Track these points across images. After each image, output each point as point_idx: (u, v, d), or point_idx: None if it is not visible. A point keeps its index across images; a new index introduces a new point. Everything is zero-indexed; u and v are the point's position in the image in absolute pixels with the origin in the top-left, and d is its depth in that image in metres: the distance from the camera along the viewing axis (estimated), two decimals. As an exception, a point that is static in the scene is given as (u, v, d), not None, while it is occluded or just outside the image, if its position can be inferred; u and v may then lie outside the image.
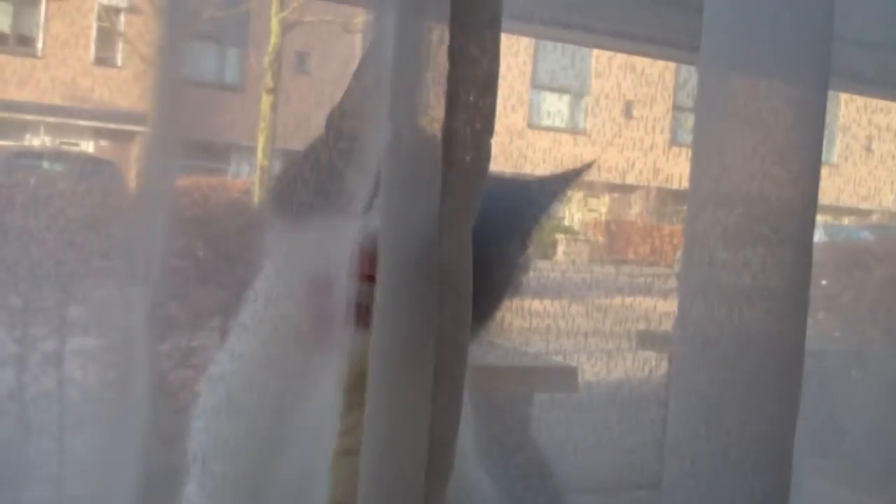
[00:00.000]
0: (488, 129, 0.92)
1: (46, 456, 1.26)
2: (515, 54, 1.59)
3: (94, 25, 1.40)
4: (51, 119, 1.41)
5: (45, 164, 1.51)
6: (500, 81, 1.09)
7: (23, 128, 1.44)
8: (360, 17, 1.54)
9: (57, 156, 1.47)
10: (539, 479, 1.28)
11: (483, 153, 0.93)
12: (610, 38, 1.64)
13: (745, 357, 1.29)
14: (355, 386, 1.07)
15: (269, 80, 1.54)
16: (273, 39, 1.56)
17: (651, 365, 1.58)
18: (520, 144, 1.69)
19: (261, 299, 1.10)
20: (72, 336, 1.28)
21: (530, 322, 1.54)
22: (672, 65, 1.74)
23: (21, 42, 1.50)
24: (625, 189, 1.90)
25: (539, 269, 1.85)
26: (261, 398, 1.06)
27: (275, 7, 1.57)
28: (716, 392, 1.29)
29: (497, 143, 1.37)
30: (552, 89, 1.80)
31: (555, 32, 1.56)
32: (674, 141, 1.74)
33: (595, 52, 1.74)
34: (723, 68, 1.33)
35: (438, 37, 0.90)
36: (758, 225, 1.29)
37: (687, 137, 1.74)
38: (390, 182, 0.93)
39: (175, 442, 1.17)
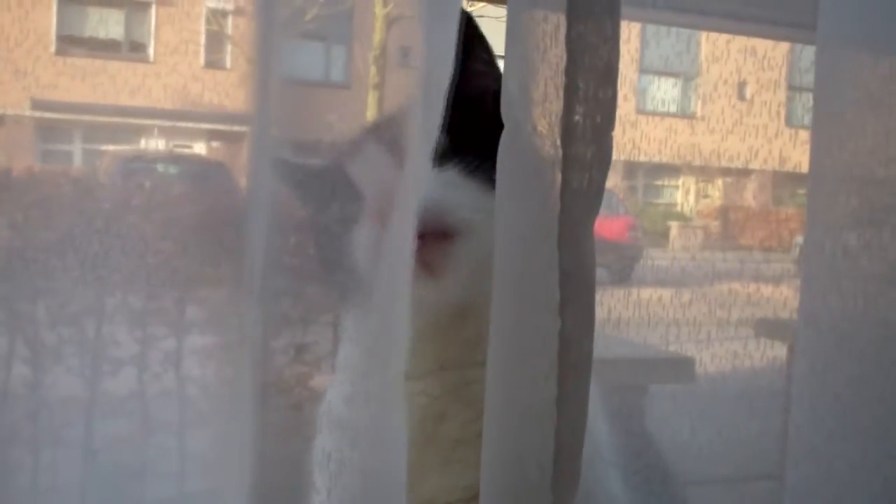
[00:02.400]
0: (609, 121, 0.88)
1: (167, 453, 1.29)
2: (626, 41, 1.56)
3: (203, 29, 1.42)
4: (164, 123, 1.44)
5: (160, 167, 1.54)
6: None
7: (137, 132, 1.47)
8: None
9: (170, 158, 1.50)
10: (660, 485, 1.25)
11: (604, 147, 0.89)
12: (722, 19, 1.59)
13: (882, 350, 1.22)
14: (480, 364, 1.07)
15: (374, 76, 1.55)
16: (378, 35, 1.56)
17: (770, 353, 1.54)
18: (633, 134, 1.67)
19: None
20: (190, 335, 1.30)
21: (643, 312, 1.52)
22: (786, 43, 1.68)
23: (134, 49, 1.54)
24: (739, 173, 1.85)
25: (652, 258, 1.82)
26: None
27: (378, 3, 1.58)
28: (852, 391, 1.23)
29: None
30: (662, 73, 1.77)
31: (667, 17, 1.52)
32: (789, 122, 1.69)
33: (704, 33, 1.70)
34: (841, 46, 1.27)
35: (555, 26, 0.87)
36: (890, 209, 1.23)
37: (802, 118, 1.69)
38: (507, 180, 0.89)
39: (290, 437, 1.18)
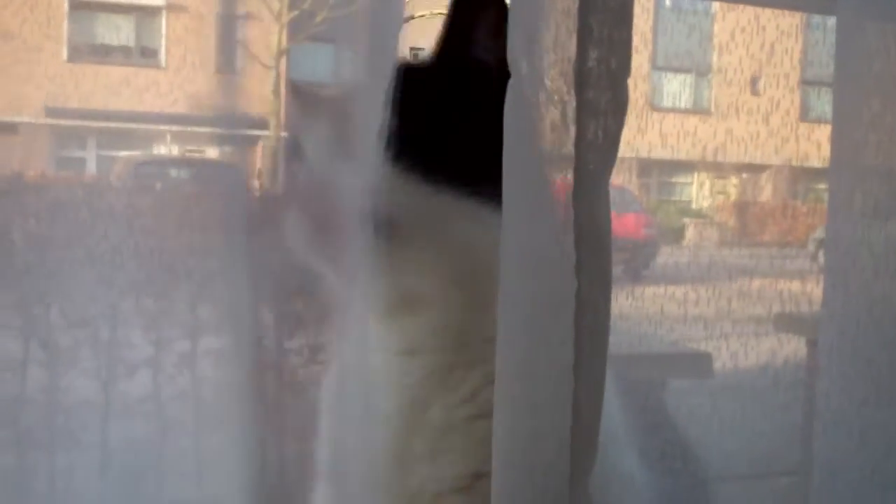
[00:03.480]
0: (625, 65, 0.82)
1: (183, 454, 1.29)
2: (639, 38, 1.55)
3: (214, 34, 1.43)
4: (176, 128, 1.45)
5: (173, 172, 1.55)
6: None
7: (150, 137, 1.48)
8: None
9: (183, 163, 1.50)
10: (682, 463, 1.24)
11: (620, 93, 0.82)
12: None
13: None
14: (457, 349, 1.05)
15: (384, 77, 1.55)
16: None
17: (789, 348, 1.53)
18: (646, 131, 1.66)
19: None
20: (203, 336, 1.30)
21: (661, 308, 1.51)
22: (799, 36, 1.68)
23: (145, 54, 1.55)
24: (753, 169, 1.85)
25: (668, 254, 1.82)
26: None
27: (387, 4, 1.58)
28: (872, 388, 1.21)
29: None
30: (675, 70, 1.76)
31: None
32: (803, 116, 1.68)
33: (717, 26, 1.69)
34: (863, 27, 1.24)
35: None
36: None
37: (816, 113, 1.68)
38: (514, 134, 0.84)
39: (306, 437, 1.18)
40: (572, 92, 0.82)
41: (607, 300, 0.85)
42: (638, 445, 1.10)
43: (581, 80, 0.81)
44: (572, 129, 0.82)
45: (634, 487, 1.07)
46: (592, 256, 0.83)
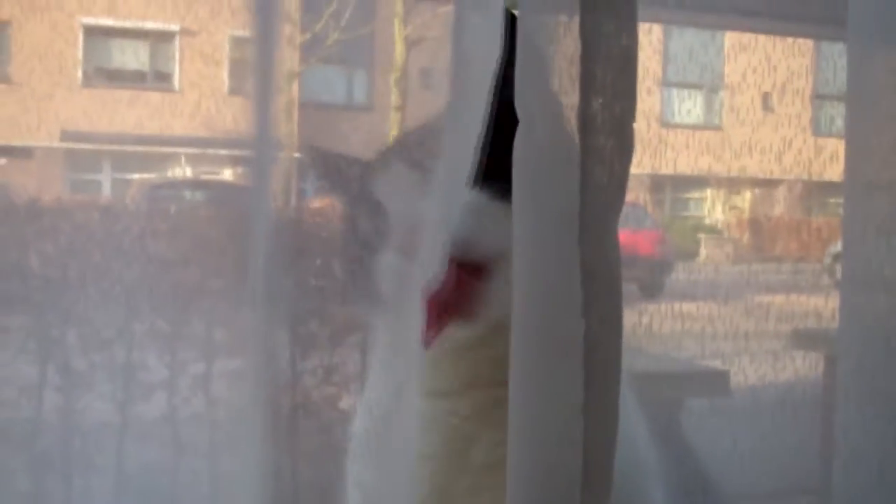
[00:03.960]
0: (629, 111, 0.83)
1: (199, 476, 1.29)
2: (650, 55, 1.56)
3: (227, 57, 1.44)
4: (190, 150, 1.46)
5: (187, 194, 1.56)
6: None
7: (164, 160, 1.49)
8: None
9: (197, 185, 1.51)
10: (701, 495, 1.23)
11: (625, 138, 0.85)
12: (744, 17, 1.55)
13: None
14: (504, 381, 1.05)
15: (396, 98, 1.56)
16: (398, 57, 1.57)
17: (806, 365, 1.52)
18: (658, 148, 1.66)
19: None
20: (218, 358, 1.31)
21: (676, 326, 1.50)
22: (810, 50, 1.67)
23: (159, 78, 1.56)
24: (767, 184, 1.84)
25: (682, 271, 1.81)
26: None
27: (398, 26, 1.59)
28: (891, 404, 1.19)
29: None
30: (686, 86, 1.76)
31: (686, 16, 1.50)
32: (816, 131, 1.68)
33: (728, 44, 1.69)
34: (874, 47, 1.24)
35: (568, 14, 0.85)
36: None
37: (829, 127, 1.68)
38: (523, 176, 0.84)
39: (321, 458, 1.18)
40: (577, 136, 0.82)
41: (619, 338, 0.85)
42: (663, 478, 1.09)
43: (585, 125, 0.82)
44: (577, 172, 0.82)
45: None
46: (601, 296, 0.83)
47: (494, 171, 0.98)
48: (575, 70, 0.82)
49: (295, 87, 1.48)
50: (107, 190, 1.50)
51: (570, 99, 0.82)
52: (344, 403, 1.32)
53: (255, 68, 1.28)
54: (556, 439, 0.86)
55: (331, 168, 1.13)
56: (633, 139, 0.84)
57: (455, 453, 1.01)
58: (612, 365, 0.85)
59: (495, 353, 1.03)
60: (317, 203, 1.46)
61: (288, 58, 1.48)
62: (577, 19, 0.82)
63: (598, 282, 0.83)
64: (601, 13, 0.83)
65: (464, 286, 0.97)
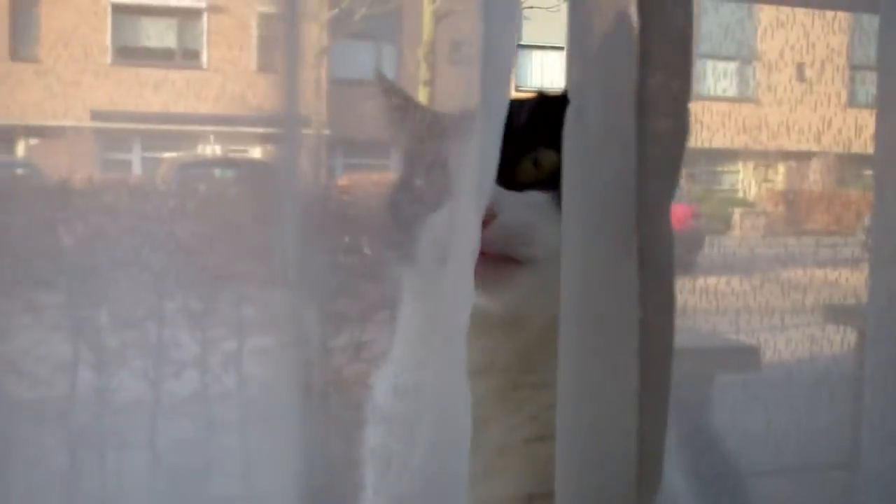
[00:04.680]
0: (686, 89, 0.82)
1: (230, 453, 1.30)
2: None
3: (255, 34, 1.44)
4: (219, 128, 1.46)
5: (217, 172, 1.56)
6: None
7: (193, 138, 1.49)
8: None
9: (226, 163, 1.51)
10: (720, 476, 1.23)
11: (683, 118, 0.83)
12: None
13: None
14: (526, 370, 1.04)
15: (424, 73, 1.55)
16: (427, 31, 1.56)
17: (839, 339, 1.50)
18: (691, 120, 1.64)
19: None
20: (249, 335, 1.32)
21: (708, 300, 1.49)
22: (847, 21, 1.65)
23: (187, 56, 1.56)
24: (801, 156, 1.82)
25: (714, 245, 1.79)
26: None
27: (425, 0, 1.58)
28: None
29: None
30: (719, 58, 1.74)
31: None
32: (851, 102, 1.65)
33: (762, 14, 1.67)
34: None
35: None
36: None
37: (865, 98, 1.65)
38: (575, 159, 0.83)
39: (351, 434, 1.19)
40: (633, 115, 0.80)
41: (672, 326, 0.83)
42: (686, 458, 1.09)
43: (642, 106, 0.80)
44: (633, 156, 0.80)
45: (677, 495, 1.06)
46: (657, 283, 0.82)
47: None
48: (634, 48, 0.79)
49: (323, 63, 1.48)
50: (137, 169, 1.51)
51: (628, 78, 0.80)
52: (374, 380, 1.33)
53: (282, 44, 1.28)
54: (611, 426, 0.85)
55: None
56: (689, 119, 0.82)
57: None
58: (666, 351, 0.84)
59: (515, 344, 1.03)
60: (345, 180, 1.47)
61: (316, 34, 1.48)
62: (634, -3, 0.79)
63: (654, 268, 0.81)
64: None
65: (497, 270, 0.96)
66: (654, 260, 0.83)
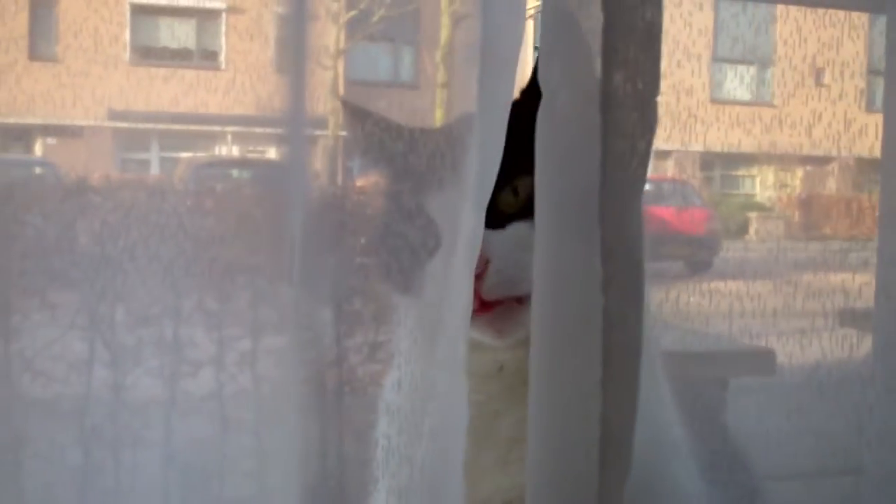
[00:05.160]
0: (653, 86, 0.83)
1: (245, 451, 1.31)
2: (700, 30, 1.54)
3: (273, 35, 1.44)
4: (236, 129, 1.46)
5: (234, 172, 1.57)
6: (684, 60, 0.99)
7: (211, 139, 1.50)
8: (533, 2, 1.52)
9: (244, 163, 1.52)
10: (728, 474, 1.22)
11: (648, 114, 0.84)
12: None
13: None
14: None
15: (442, 75, 1.55)
16: (444, 33, 1.56)
17: (853, 344, 1.50)
18: (708, 124, 1.64)
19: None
20: (265, 335, 1.32)
21: (724, 304, 1.49)
22: (864, 25, 1.64)
23: (205, 57, 1.57)
24: (818, 161, 1.81)
25: (731, 249, 1.79)
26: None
27: (443, 2, 1.58)
28: None
29: (678, 120, 1.32)
30: (737, 62, 1.74)
31: None
32: (869, 107, 1.65)
33: (779, 18, 1.66)
34: None
35: None
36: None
37: (882, 103, 1.64)
38: (544, 150, 0.84)
39: (365, 436, 1.19)
40: (597, 110, 0.82)
41: (639, 314, 0.85)
42: (694, 459, 1.09)
43: (607, 99, 0.81)
44: (598, 149, 0.81)
45: (688, 498, 1.06)
46: (622, 274, 0.83)
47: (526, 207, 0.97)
48: (597, 43, 0.81)
49: (340, 64, 1.48)
50: (155, 169, 1.52)
51: (593, 72, 0.81)
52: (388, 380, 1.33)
53: (299, 46, 1.28)
54: (575, 414, 0.86)
55: (374, 140, 1.13)
56: (656, 114, 0.83)
57: (481, 428, 1.02)
58: (631, 342, 0.86)
59: (524, 351, 1.03)
60: (361, 181, 1.47)
61: (334, 35, 1.48)
62: (599, -9, 0.81)
63: (619, 259, 0.83)
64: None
65: (502, 315, 0.98)
66: (620, 251, 0.84)
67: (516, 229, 1.01)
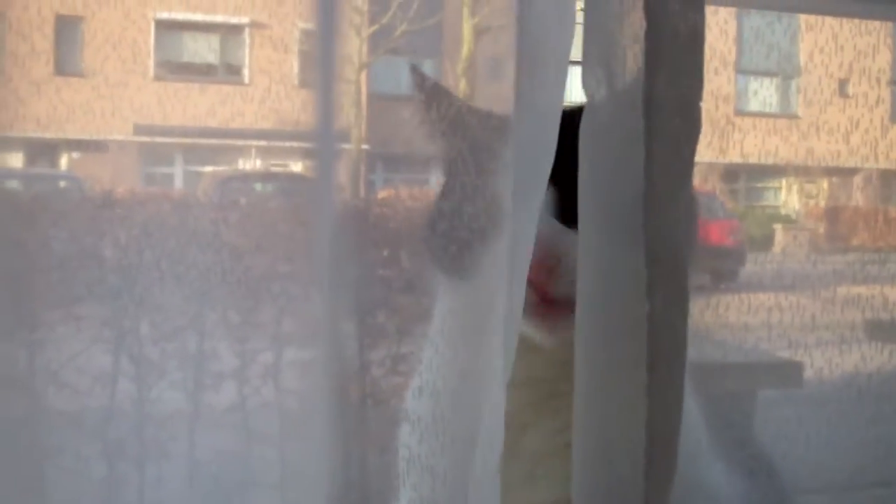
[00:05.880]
0: (696, 90, 0.83)
1: (268, 464, 1.31)
2: (724, 41, 1.53)
3: (296, 50, 1.45)
4: (260, 143, 1.47)
5: (258, 186, 1.57)
6: (708, 67, 0.99)
7: (235, 153, 1.50)
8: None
9: (267, 177, 1.53)
10: (765, 478, 1.21)
11: (692, 118, 0.84)
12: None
13: None
14: (565, 378, 1.04)
15: (465, 88, 1.56)
16: (466, 47, 1.57)
17: (883, 356, 1.48)
18: (733, 136, 1.63)
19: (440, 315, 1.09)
20: (287, 348, 1.32)
21: (751, 316, 1.48)
22: (888, 35, 1.63)
23: (229, 71, 1.57)
24: (844, 172, 1.80)
25: (757, 262, 1.78)
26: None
27: (466, 15, 1.58)
28: None
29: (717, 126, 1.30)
30: (761, 74, 1.73)
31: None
32: (895, 118, 1.63)
33: (803, 29, 1.66)
34: None
35: None
36: None
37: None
38: (586, 157, 0.84)
39: (388, 448, 1.19)
40: (641, 114, 0.81)
41: (684, 320, 0.84)
42: (724, 459, 1.08)
43: (650, 104, 0.81)
44: (642, 152, 0.81)
45: (719, 501, 1.05)
46: (666, 279, 0.83)
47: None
48: (640, 48, 0.81)
49: (363, 78, 1.49)
50: (179, 183, 1.52)
51: (635, 78, 0.81)
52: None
53: (321, 60, 1.29)
54: (621, 419, 0.86)
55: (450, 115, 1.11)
56: (700, 119, 0.83)
57: (507, 441, 1.01)
58: (677, 347, 0.85)
59: (552, 358, 1.03)
60: (383, 193, 1.47)
61: (356, 49, 1.49)
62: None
63: (663, 264, 0.82)
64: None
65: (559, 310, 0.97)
66: (664, 257, 0.84)
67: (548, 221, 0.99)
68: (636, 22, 0.82)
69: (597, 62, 0.85)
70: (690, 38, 0.83)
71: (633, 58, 0.83)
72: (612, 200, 0.85)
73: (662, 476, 0.86)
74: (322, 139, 1.31)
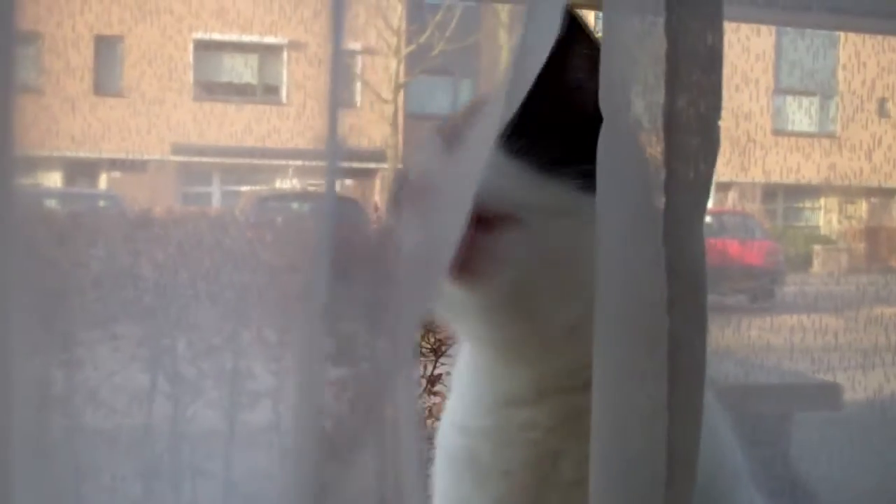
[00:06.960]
0: (715, 109, 0.85)
1: (305, 483, 1.30)
2: (761, 61, 1.52)
3: (333, 69, 1.46)
4: (297, 162, 1.48)
5: (295, 205, 1.58)
6: (743, 86, 1.00)
7: (272, 172, 1.51)
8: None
9: (304, 196, 1.53)
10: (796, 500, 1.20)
11: (711, 136, 0.85)
12: (860, 18, 1.49)
13: None
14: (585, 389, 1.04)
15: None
16: (504, 68, 1.57)
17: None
18: (771, 156, 1.62)
19: None
20: (323, 367, 1.32)
21: (787, 338, 1.47)
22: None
23: (267, 91, 1.59)
24: (883, 192, 1.78)
25: (795, 283, 1.76)
26: None
27: (503, 36, 1.59)
28: None
29: (739, 151, 1.30)
30: (799, 93, 1.72)
31: (796, 17, 1.44)
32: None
33: (842, 48, 1.65)
34: None
35: (653, 11, 0.84)
36: None
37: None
38: (607, 174, 0.86)
39: (423, 465, 1.18)
40: (661, 134, 0.83)
41: (703, 337, 0.85)
42: (757, 480, 1.07)
43: (670, 123, 0.82)
44: (662, 172, 0.83)
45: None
46: (686, 295, 0.84)
47: (519, 129, 0.96)
48: (660, 68, 0.83)
49: (401, 97, 1.50)
50: (217, 202, 1.54)
51: (656, 97, 0.83)
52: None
53: (360, 80, 1.29)
54: (640, 435, 0.86)
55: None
56: (718, 138, 0.84)
57: (540, 468, 1.00)
58: (696, 363, 0.86)
59: (564, 362, 1.02)
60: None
61: (393, 69, 1.49)
62: (662, 18, 0.83)
63: (683, 280, 0.84)
64: (686, 12, 0.84)
65: (472, 242, 0.96)
66: (683, 273, 0.85)
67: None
68: (657, 41, 0.84)
69: (617, 79, 0.87)
70: (709, 59, 0.85)
71: (654, 78, 0.85)
72: (632, 216, 0.86)
73: (683, 493, 0.87)
74: (359, 159, 1.32)
